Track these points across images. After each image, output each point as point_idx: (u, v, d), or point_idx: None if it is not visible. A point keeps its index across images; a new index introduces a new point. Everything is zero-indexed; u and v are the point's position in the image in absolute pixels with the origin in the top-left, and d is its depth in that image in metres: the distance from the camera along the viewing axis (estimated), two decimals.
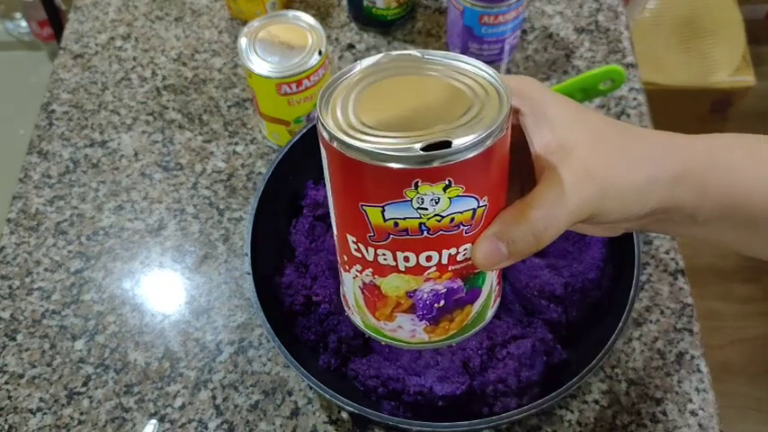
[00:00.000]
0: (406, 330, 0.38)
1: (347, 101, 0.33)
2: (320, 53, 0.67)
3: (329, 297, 0.60)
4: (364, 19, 0.84)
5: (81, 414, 0.61)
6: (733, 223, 0.38)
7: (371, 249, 0.34)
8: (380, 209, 0.32)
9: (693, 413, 0.59)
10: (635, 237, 0.57)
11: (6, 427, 0.61)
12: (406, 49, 0.83)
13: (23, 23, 1.85)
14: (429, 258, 0.33)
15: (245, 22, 0.86)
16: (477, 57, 0.79)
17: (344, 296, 0.40)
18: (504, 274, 0.61)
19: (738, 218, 0.37)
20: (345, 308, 0.41)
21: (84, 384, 0.63)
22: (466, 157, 0.30)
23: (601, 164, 0.36)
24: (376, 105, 0.32)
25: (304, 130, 0.65)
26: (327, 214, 0.65)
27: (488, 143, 0.30)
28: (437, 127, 0.31)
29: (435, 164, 0.30)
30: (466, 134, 0.30)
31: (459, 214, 0.32)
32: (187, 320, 0.66)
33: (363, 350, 0.59)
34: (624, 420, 0.59)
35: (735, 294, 1.52)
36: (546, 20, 0.85)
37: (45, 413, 0.62)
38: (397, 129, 0.31)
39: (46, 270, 0.70)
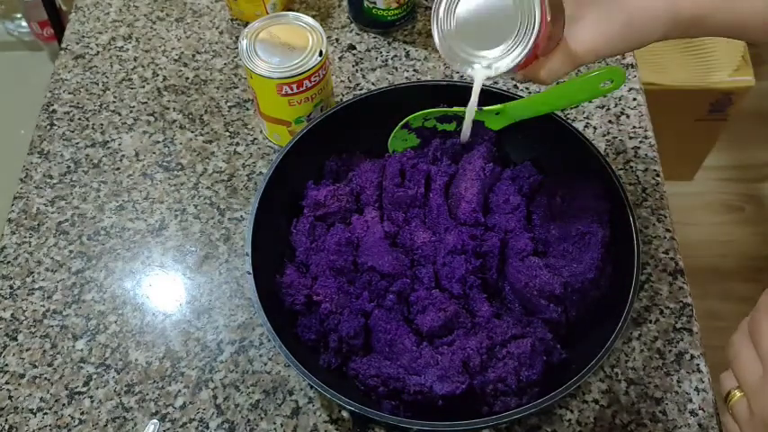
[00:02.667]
0: None
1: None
2: (321, 54, 0.67)
3: (330, 297, 0.60)
4: (365, 20, 0.84)
5: (82, 414, 0.62)
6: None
7: None
8: None
9: (693, 413, 0.59)
10: (635, 237, 0.57)
11: (7, 427, 0.61)
12: (405, 50, 0.83)
13: (24, 24, 1.85)
14: None
15: (245, 23, 0.86)
16: None
17: None
18: (504, 274, 0.62)
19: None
20: None
21: (85, 384, 0.63)
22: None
23: None
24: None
25: (305, 131, 0.65)
26: (327, 214, 0.65)
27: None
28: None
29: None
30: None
31: None
32: (188, 320, 0.66)
33: (364, 350, 0.59)
34: (624, 420, 0.59)
35: (735, 294, 1.52)
36: None
37: (46, 413, 0.62)
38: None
39: (47, 270, 0.70)
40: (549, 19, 0.47)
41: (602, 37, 0.46)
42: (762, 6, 0.43)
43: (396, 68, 0.82)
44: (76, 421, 0.61)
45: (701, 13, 0.44)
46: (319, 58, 0.67)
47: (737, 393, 0.45)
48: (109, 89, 0.83)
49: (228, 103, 0.80)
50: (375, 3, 0.80)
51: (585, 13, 0.46)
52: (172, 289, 0.68)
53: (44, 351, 0.65)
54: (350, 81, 0.81)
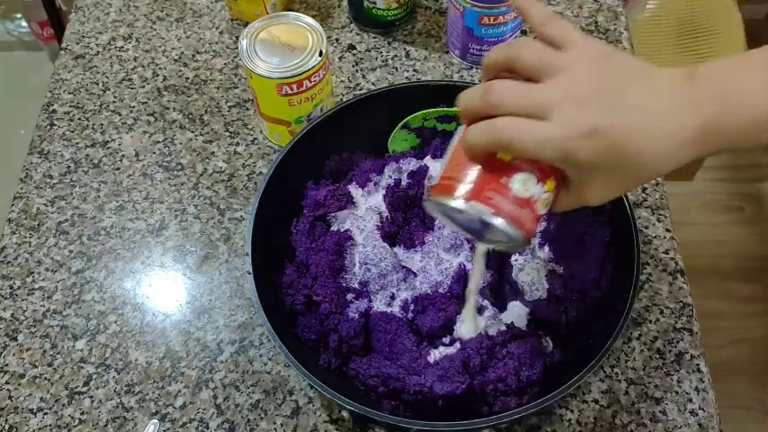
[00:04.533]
0: None
1: None
2: (321, 54, 0.67)
3: (330, 297, 0.60)
4: (365, 20, 0.84)
5: (82, 414, 0.62)
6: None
7: None
8: None
9: (693, 413, 0.59)
10: (635, 237, 0.57)
11: (7, 427, 0.61)
12: (405, 50, 0.83)
13: (24, 24, 1.85)
14: None
15: (245, 23, 0.86)
16: (477, 58, 0.80)
17: None
18: (504, 274, 0.62)
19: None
20: None
21: (86, 384, 0.63)
22: None
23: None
24: None
25: (305, 131, 0.65)
26: (327, 214, 0.65)
27: None
28: None
29: None
30: None
31: None
32: (188, 320, 0.66)
33: (364, 350, 0.59)
34: (624, 420, 0.59)
35: (735, 294, 1.52)
36: None
37: (46, 413, 0.62)
38: None
39: (47, 270, 0.70)
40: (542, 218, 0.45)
41: (615, 194, 0.45)
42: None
43: (396, 68, 0.82)
44: (76, 421, 0.61)
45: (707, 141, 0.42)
46: (319, 58, 0.67)
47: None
48: (109, 89, 0.83)
49: (228, 103, 0.80)
50: (375, 3, 0.80)
51: (594, 179, 0.43)
52: (172, 289, 0.68)
53: (44, 351, 0.65)
54: (350, 81, 0.81)
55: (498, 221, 0.42)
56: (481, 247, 0.54)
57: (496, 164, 0.42)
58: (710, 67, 0.43)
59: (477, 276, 0.56)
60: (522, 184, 0.42)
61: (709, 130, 0.41)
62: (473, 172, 0.43)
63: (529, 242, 0.45)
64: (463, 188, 0.43)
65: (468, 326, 0.58)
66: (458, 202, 0.43)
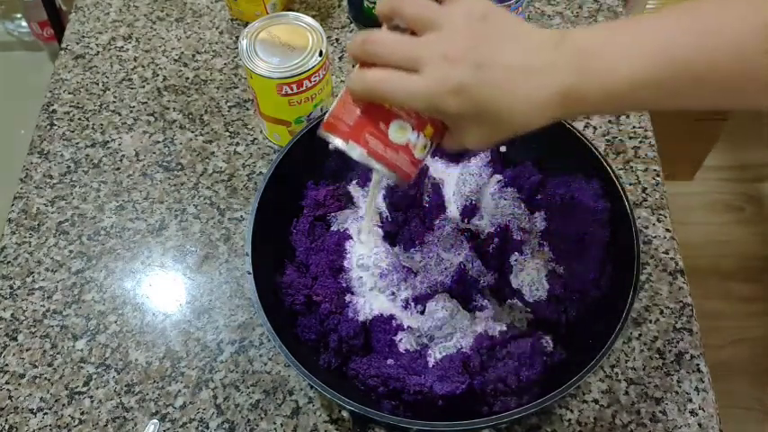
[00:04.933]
0: None
1: None
2: (321, 54, 0.67)
3: (329, 297, 0.60)
4: (365, 20, 0.84)
5: (82, 414, 0.62)
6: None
7: None
8: None
9: (693, 413, 0.59)
10: (635, 237, 0.57)
11: (7, 427, 0.61)
12: None
13: (24, 24, 1.85)
14: None
15: (245, 23, 0.86)
16: None
17: None
18: (504, 274, 0.62)
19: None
20: None
21: (86, 384, 0.63)
22: None
23: None
24: None
25: (305, 131, 0.65)
26: (327, 214, 0.65)
27: None
28: None
29: None
30: None
31: None
32: (188, 320, 0.66)
33: (363, 350, 0.59)
34: (624, 420, 0.59)
35: (735, 294, 1.52)
36: (546, 20, 0.85)
37: (46, 413, 0.62)
38: None
39: (47, 270, 0.70)
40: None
41: (490, 142, 0.47)
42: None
43: None
44: (76, 421, 0.61)
45: (580, 102, 0.44)
46: (319, 58, 0.67)
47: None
48: (109, 89, 0.83)
49: (228, 103, 0.80)
50: (375, 3, 0.80)
51: (468, 128, 0.46)
52: (172, 289, 0.68)
53: (44, 351, 0.65)
54: None
55: (373, 163, 0.46)
56: (375, 175, 0.57)
57: (377, 109, 0.46)
58: (583, 31, 0.45)
59: (369, 200, 0.59)
60: (398, 130, 0.46)
61: (567, 95, 0.43)
62: (356, 114, 0.46)
63: (409, 181, 0.48)
64: (345, 128, 0.46)
65: (364, 237, 0.62)
66: (338, 142, 0.46)
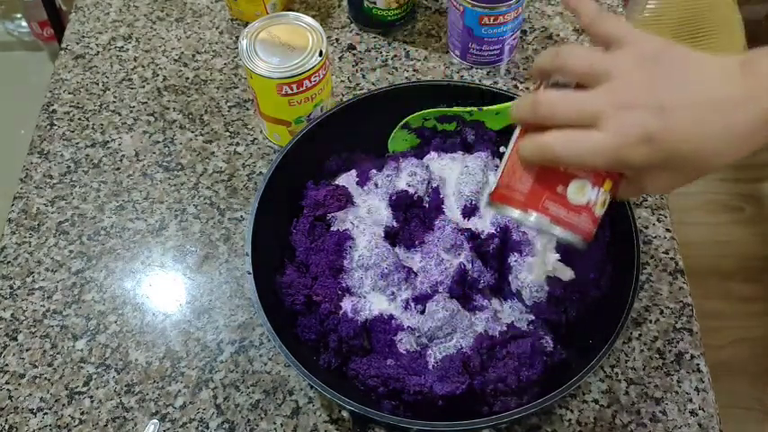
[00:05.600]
0: None
1: None
2: (321, 54, 0.67)
3: (329, 297, 0.60)
4: (365, 20, 0.84)
5: (82, 414, 0.62)
6: None
7: None
8: None
9: (693, 413, 0.59)
10: (635, 237, 0.57)
11: (7, 427, 0.61)
12: (405, 50, 0.83)
13: (24, 24, 1.85)
14: None
15: (245, 23, 0.86)
16: (478, 57, 0.80)
17: None
18: (504, 274, 0.62)
19: None
20: None
21: (86, 384, 0.63)
22: None
23: None
24: None
25: (305, 131, 0.65)
26: (327, 214, 0.65)
27: None
28: None
29: None
30: None
31: None
32: (188, 320, 0.66)
33: (363, 350, 0.59)
34: (624, 420, 0.59)
35: (735, 294, 1.52)
36: (546, 20, 0.85)
37: (46, 413, 0.62)
38: None
39: (47, 270, 0.70)
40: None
41: (679, 186, 0.44)
42: None
43: (396, 68, 0.82)
44: (76, 421, 0.61)
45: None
46: (319, 58, 0.67)
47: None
48: (109, 89, 0.83)
49: (228, 103, 0.80)
50: (375, 3, 0.80)
51: (654, 175, 0.43)
52: (172, 289, 0.68)
53: (44, 351, 0.65)
54: (350, 81, 0.81)
55: (556, 230, 0.44)
56: (543, 238, 0.56)
57: (552, 172, 0.43)
58: (765, 55, 0.41)
59: (540, 266, 0.57)
60: (577, 191, 0.43)
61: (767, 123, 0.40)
62: (529, 181, 0.44)
63: (589, 240, 0.46)
64: (520, 197, 0.44)
65: (537, 271, 0.59)
66: (515, 213, 0.44)
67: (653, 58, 0.41)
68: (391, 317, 0.60)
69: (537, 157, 0.43)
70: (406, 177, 0.66)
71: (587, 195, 0.44)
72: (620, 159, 0.40)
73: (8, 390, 0.63)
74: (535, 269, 0.59)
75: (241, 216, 0.72)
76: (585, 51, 0.43)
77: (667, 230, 0.69)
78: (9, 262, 0.70)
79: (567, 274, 0.60)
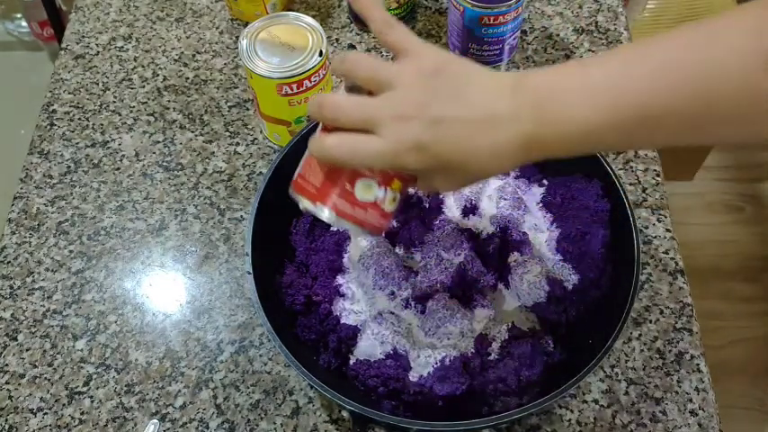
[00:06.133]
0: None
1: None
2: (321, 54, 0.67)
3: (329, 297, 0.60)
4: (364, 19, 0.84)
5: (82, 414, 0.62)
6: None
7: None
8: None
9: (693, 413, 0.59)
10: (635, 237, 0.57)
11: (7, 427, 0.61)
12: None
13: (24, 24, 1.85)
14: None
15: (245, 23, 0.86)
16: (478, 57, 0.80)
17: None
18: (504, 274, 0.62)
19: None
20: None
21: (86, 384, 0.63)
22: None
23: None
24: None
25: (305, 131, 0.65)
26: None
27: None
28: None
29: None
30: None
31: None
32: (188, 320, 0.66)
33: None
34: (624, 420, 0.59)
35: (735, 294, 1.52)
36: (546, 20, 0.85)
37: (46, 413, 0.62)
38: None
39: (47, 270, 0.70)
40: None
41: (460, 187, 0.48)
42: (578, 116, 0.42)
43: None
44: (76, 421, 0.61)
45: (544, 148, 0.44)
46: (319, 58, 0.67)
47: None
48: (109, 89, 0.83)
49: (228, 103, 0.80)
50: None
51: (435, 177, 0.46)
52: (172, 289, 0.68)
53: (44, 351, 0.65)
54: None
55: (343, 223, 0.46)
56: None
57: (342, 170, 0.46)
58: (537, 76, 0.44)
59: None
60: (364, 188, 0.46)
61: (528, 143, 0.43)
62: (321, 176, 0.46)
63: (380, 233, 0.49)
64: (312, 190, 0.46)
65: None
66: (307, 204, 0.47)
67: (434, 73, 0.43)
68: (391, 316, 0.60)
69: (320, 157, 0.45)
70: None
71: (374, 193, 0.46)
72: (397, 164, 0.43)
73: (8, 390, 0.63)
74: None
75: (241, 216, 0.72)
76: (370, 60, 0.45)
77: (667, 230, 0.69)
78: (9, 262, 0.70)
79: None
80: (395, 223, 0.64)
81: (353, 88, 0.46)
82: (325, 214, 0.46)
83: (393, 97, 0.43)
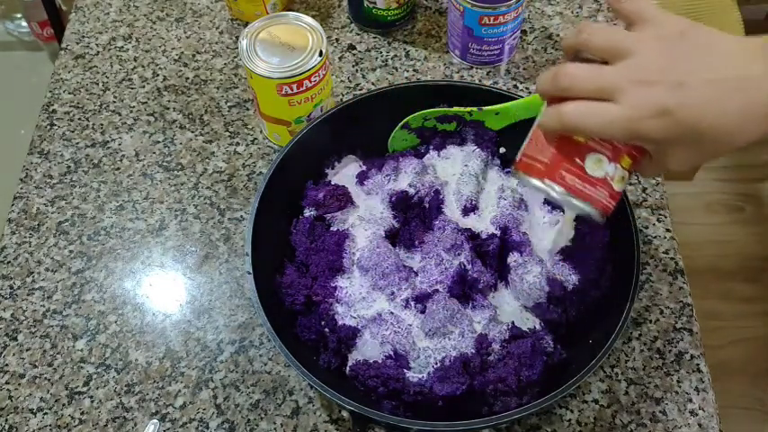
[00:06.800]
0: None
1: None
2: (321, 54, 0.67)
3: (329, 297, 0.60)
4: (365, 20, 0.84)
5: (82, 414, 0.62)
6: None
7: None
8: None
9: (693, 413, 0.59)
10: (635, 237, 0.57)
11: (7, 427, 0.61)
12: (405, 50, 0.83)
13: (24, 24, 1.85)
14: None
15: (245, 23, 0.86)
16: (478, 57, 0.80)
17: None
18: (504, 274, 0.62)
19: None
20: None
21: (86, 384, 0.63)
22: None
23: None
24: None
25: (305, 131, 0.65)
26: (327, 214, 0.65)
27: None
28: None
29: None
30: None
31: None
32: (188, 320, 0.66)
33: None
34: (624, 420, 0.59)
35: (735, 294, 1.52)
36: (546, 20, 0.85)
37: (46, 413, 0.62)
38: None
39: (47, 270, 0.70)
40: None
41: (698, 162, 0.46)
42: None
43: (396, 68, 0.82)
44: (76, 421, 0.61)
45: None
46: (319, 58, 0.67)
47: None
48: (109, 89, 0.83)
49: (228, 103, 0.80)
50: (375, 3, 0.80)
51: (673, 150, 0.44)
52: (172, 289, 0.68)
53: (44, 351, 0.65)
54: (350, 81, 0.81)
55: (572, 200, 0.45)
56: (569, 213, 0.57)
57: (572, 144, 0.45)
58: None
59: (558, 234, 0.60)
60: (595, 163, 0.45)
61: None
62: (549, 151, 0.45)
63: (607, 214, 0.47)
64: (541, 167, 0.46)
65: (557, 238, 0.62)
66: (535, 182, 0.46)
67: (676, 37, 0.42)
68: (391, 316, 0.60)
69: (554, 125, 0.44)
70: (406, 177, 0.66)
71: (604, 169, 0.45)
72: (635, 132, 0.41)
73: (8, 390, 0.63)
74: (555, 236, 0.61)
75: (241, 216, 0.72)
76: (608, 29, 0.44)
77: (667, 230, 0.69)
78: (9, 262, 0.70)
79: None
80: (395, 223, 0.64)
81: (584, 61, 0.44)
82: (554, 190, 0.45)
83: (633, 64, 0.42)
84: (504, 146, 0.68)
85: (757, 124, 0.42)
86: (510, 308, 0.61)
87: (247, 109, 0.80)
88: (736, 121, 0.41)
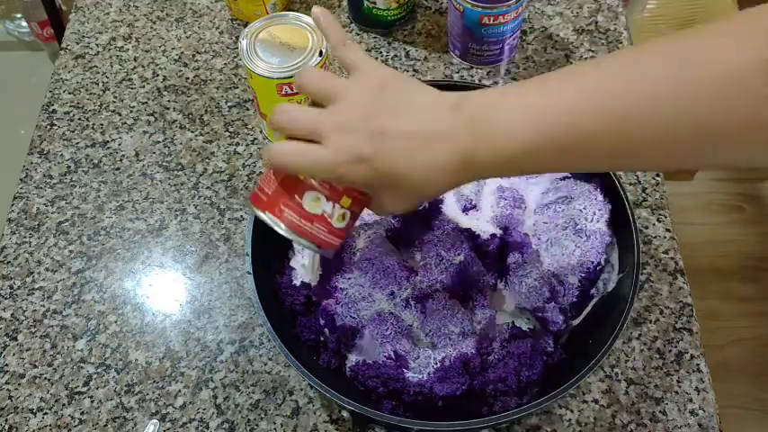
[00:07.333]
0: None
1: None
2: (321, 54, 0.67)
3: (329, 297, 0.60)
4: (364, 20, 0.84)
5: (82, 414, 0.62)
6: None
7: None
8: None
9: (693, 413, 0.59)
10: (635, 237, 0.57)
11: (7, 427, 0.61)
12: (405, 50, 0.83)
13: (24, 24, 1.85)
14: None
15: (245, 23, 0.86)
16: (478, 57, 0.80)
17: None
18: (504, 274, 0.62)
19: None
20: None
21: (86, 384, 0.63)
22: None
23: None
24: None
25: None
26: None
27: None
28: None
29: None
30: None
31: None
32: (188, 320, 0.66)
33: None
34: (624, 420, 0.59)
35: (735, 294, 1.52)
36: (546, 20, 0.85)
37: (46, 413, 0.62)
38: None
39: (47, 270, 0.70)
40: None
41: (409, 207, 0.48)
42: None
43: (396, 68, 0.82)
44: (76, 421, 0.61)
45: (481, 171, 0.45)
46: (319, 58, 0.67)
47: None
48: (109, 89, 0.83)
49: (228, 103, 0.80)
50: (375, 3, 0.80)
51: (382, 194, 0.47)
52: (172, 289, 0.68)
53: (44, 351, 0.65)
54: None
55: (287, 233, 0.47)
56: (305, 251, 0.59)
57: (295, 181, 0.47)
58: (477, 95, 0.45)
59: (304, 270, 0.62)
60: (313, 200, 0.47)
61: (465, 160, 0.43)
62: (275, 185, 0.47)
63: (332, 250, 0.50)
64: (264, 199, 0.48)
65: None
66: (259, 213, 0.48)
67: (380, 88, 0.45)
68: (391, 316, 0.60)
69: (266, 161, 0.46)
70: None
71: (322, 207, 0.47)
72: (340, 175, 0.44)
73: (8, 390, 0.63)
74: (302, 272, 0.62)
75: (241, 216, 0.72)
76: (321, 74, 0.47)
77: (667, 230, 0.69)
78: (9, 262, 0.70)
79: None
80: (395, 223, 0.64)
81: (316, 102, 0.47)
82: (280, 227, 0.47)
83: (339, 108, 0.44)
84: None
85: (441, 177, 0.44)
86: (510, 308, 0.61)
87: (247, 109, 0.80)
88: (427, 172, 0.44)
